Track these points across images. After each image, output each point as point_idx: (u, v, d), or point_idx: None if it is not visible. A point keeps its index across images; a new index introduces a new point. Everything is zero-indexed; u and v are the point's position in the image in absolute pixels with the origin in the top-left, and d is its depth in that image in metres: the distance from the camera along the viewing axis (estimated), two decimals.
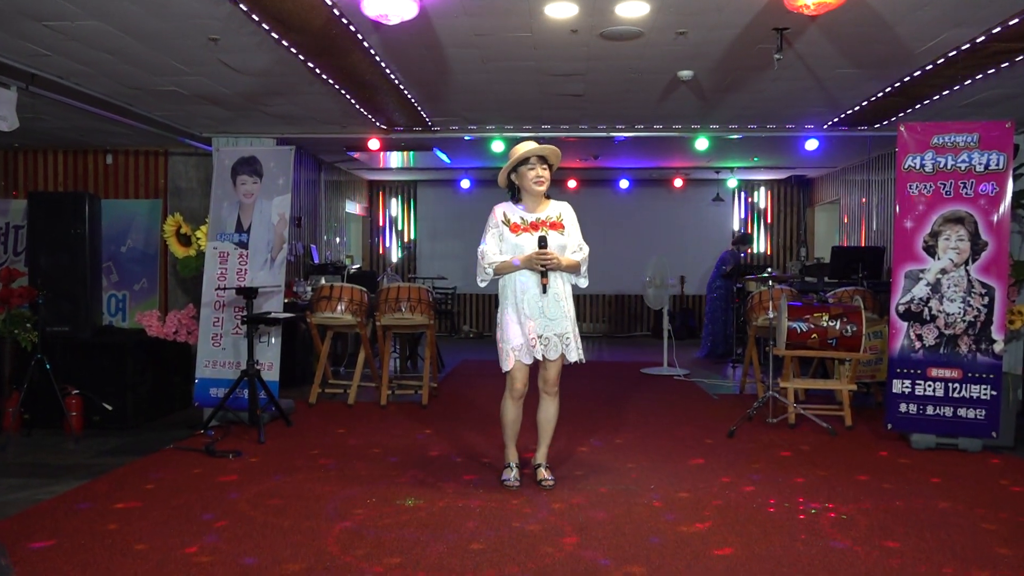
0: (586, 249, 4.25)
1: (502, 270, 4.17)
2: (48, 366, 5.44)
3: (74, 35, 4.70)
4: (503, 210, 4.24)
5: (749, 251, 10.30)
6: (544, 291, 4.09)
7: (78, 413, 5.63)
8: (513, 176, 4.22)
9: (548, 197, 4.28)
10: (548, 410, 4.29)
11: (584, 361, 4.25)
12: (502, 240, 4.18)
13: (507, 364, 4.15)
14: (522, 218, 4.20)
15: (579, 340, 4.22)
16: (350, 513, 3.79)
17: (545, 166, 4.17)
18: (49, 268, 5.92)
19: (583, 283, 4.30)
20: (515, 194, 4.26)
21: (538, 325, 4.12)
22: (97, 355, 5.82)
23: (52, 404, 5.49)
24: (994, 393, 5.09)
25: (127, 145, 8.44)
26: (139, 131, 7.34)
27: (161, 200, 8.48)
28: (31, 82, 5.48)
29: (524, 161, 4.15)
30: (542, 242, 4.07)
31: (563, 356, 4.18)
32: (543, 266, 4.06)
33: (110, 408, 5.69)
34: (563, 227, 4.20)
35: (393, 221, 13.04)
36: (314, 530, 3.56)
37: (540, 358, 4.14)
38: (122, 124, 6.91)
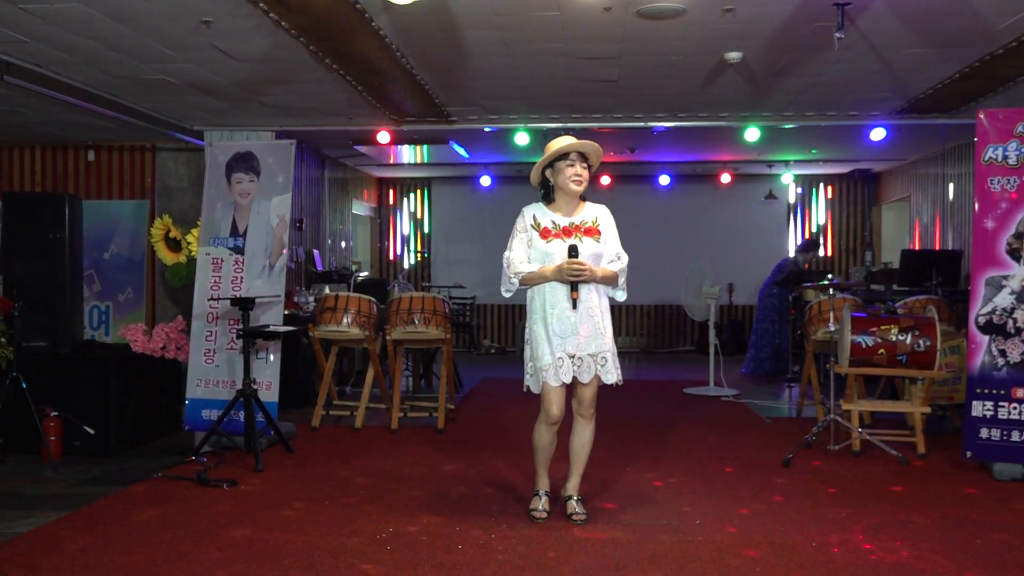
0: (625, 258, 4.24)
1: (529, 280, 4.18)
2: (24, 385, 5.52)
3: (53, 19, 4.78)
4: (533, 213, 4.25)
5: (810, 260, 10.17)
6: (574, 306, 4.09)
7: (57, 437, 5.70)
8: (548, 172, 4.23)
9: (584, 199, 4.29)
10: (582, 435, 4.28)
11: (622, 382, 4.25)
12: (531, 246, 4.19)
13: (536, 386, 4.16)
14: (553, 222, 4.20)
15: (617, 360, 4.22)
16: (356, 549, 3.81)
17: (585, 164, 4.18)
18: (25, 277, 5.99)
19: (621, 296, 4.30)
20: (548, 193, 4.27)
21: (569, 344, 4.11)
22: (78, 373, 5.88)
23: (29, 427, 5.56)
24: None
25: (111, 140, 8.56)
26: (124, 124, 7.44)
27: (148, 201, 8.57)
28: (6, 71, 5.57)
29: (562, 157, 4.16)
30: (572, 251, 4.07)
31: (598, 377, 4.17)
32: (573, 278, 4.07)
33: (92, 432, 5.75)
34: (599, 233, 4.20)
35: (405, 223, 13.10)
36: (317, 568, 3.58)
37: (567, 380, 4.13)
38: (105, 117, 7.01)
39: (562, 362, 4.10)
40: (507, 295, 4.29)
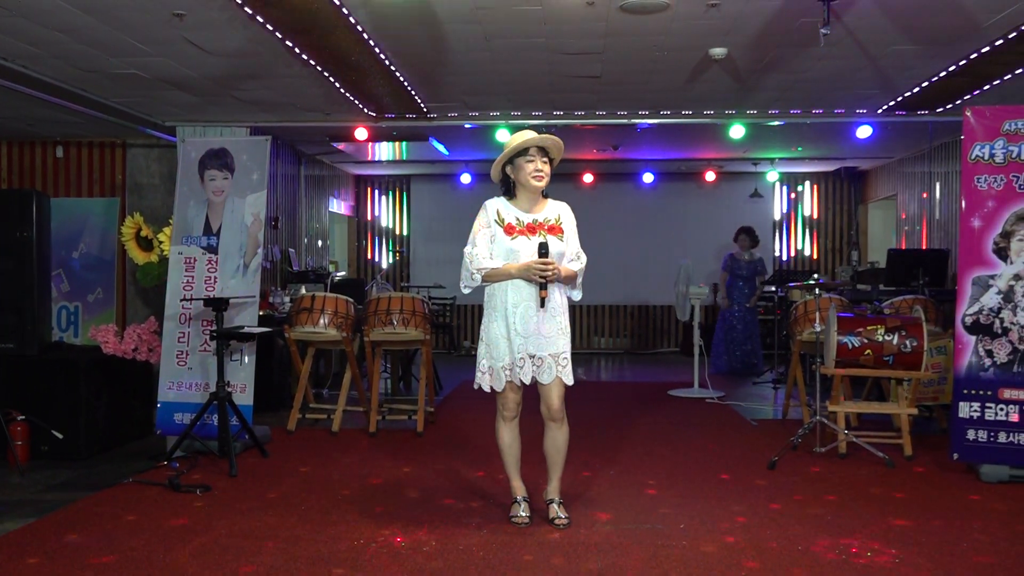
0: (584, 258, 4.29)
1: (492, 277, 4.18)
2: None
3: (20, 11, 4.74)
4: (496, 207, 4.26)
5: (743, 249, 10.06)
6: (542, 305, 4.10)
7: (24, 442, 5.65)
8: (508, 169, 4.25)
9: (546, 196, 4.31)
10: (556, 439, 4.28)
11: (574, 384, 4.24)
12: (493, 242, 4.20)
13: (496, 384, 4.18)
14: (517, 218, 4.21)
15: (569, 360, 4.22)
16: (334, 556, 3.80)
17: (545, 159, 4.20)
18: None
19: (576, 296, 4.35)
20: (509, 190, 4.29)
21: (531, 344, 4.12)
22: (46, 375, 5.84)
23: None
24: None
25: (80, 136, 8.50)
26: (94, 120, 7.38)
27: (119, 198, 8.52)
28: None
29: (522, 152, 4.17)
30: (543, 249, 4.08)
31: (560, 378, 4.17)
32: (543, 278, 4.07)
33: (60, 436, 5.70)
34: (562, 232, 4.22)
35: (383, 221, 13.07)
36: None
37: (527, 381, 4.15)
38: (75, 112, 6.96)
39: (523, 362, 4.12)
40: (466, 291, 4.30)
